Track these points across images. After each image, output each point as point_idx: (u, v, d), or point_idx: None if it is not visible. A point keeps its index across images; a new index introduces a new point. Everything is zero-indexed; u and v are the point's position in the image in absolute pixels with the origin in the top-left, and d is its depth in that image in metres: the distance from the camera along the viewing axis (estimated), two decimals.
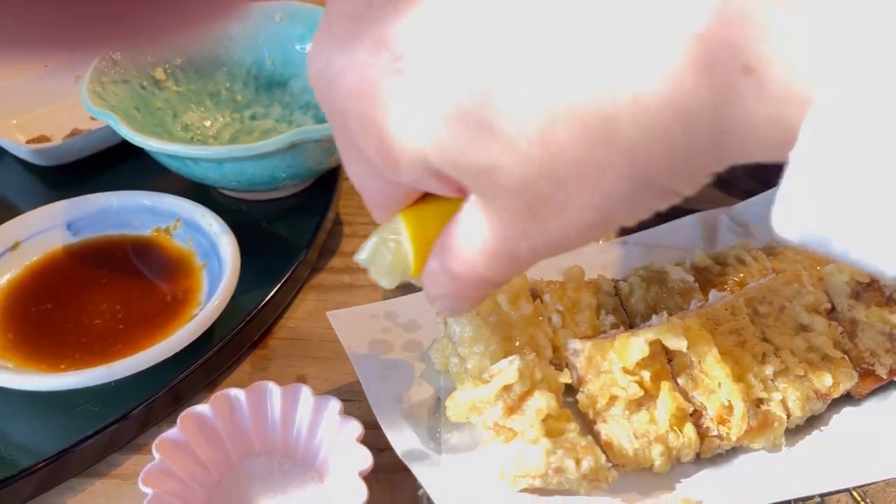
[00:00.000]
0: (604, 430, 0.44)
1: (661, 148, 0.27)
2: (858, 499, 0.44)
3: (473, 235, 0.32)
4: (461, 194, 0.33)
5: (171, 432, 0.44)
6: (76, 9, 0.15)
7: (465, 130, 0.29)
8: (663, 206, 0.31)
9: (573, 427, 0.43)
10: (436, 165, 0.30)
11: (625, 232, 0.60)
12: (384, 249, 0.37)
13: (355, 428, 0.44)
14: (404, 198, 0.36)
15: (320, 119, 0.67)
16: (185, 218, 0.57)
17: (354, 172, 0.36)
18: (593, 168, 0.28)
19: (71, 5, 0.15)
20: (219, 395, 0.46)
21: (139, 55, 0.65)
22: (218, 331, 0.53)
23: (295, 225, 0.61)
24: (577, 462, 0.41)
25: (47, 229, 0.56)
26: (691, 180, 0.30)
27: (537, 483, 0.41)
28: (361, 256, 0.38)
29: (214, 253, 0.55)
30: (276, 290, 0.55)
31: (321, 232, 0.61)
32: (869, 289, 0.50)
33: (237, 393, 0.46)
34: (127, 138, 0.56)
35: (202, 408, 0.45)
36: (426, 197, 0.37)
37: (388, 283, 0.38)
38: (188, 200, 0.57)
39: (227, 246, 0.54)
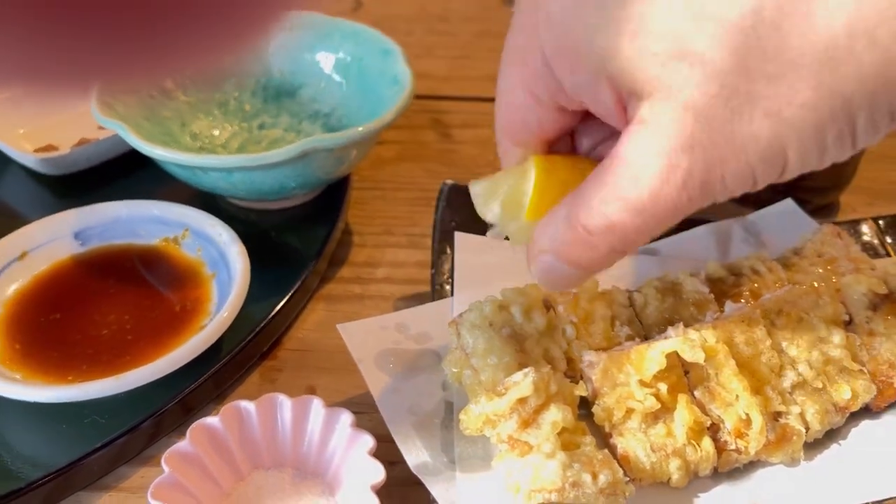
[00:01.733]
0: (620, 443, 0.43)
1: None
2: None
3: (636, 172, 0.32)
4: (622, 120, 0.33)
5: (181, 445, 0.44)
6: (122, 45, 0.15)
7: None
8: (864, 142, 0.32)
9: (589, 440, 0.42)
10: (620, 68, 0.31)
11: None
12: (503, 182, 0.38)
13: (367, 441, 0.44)
14: (543, 130, 0.37)
15: (329, 128, 0.67)
16: (193, 227, 0.57)
17: (509, 93, 0.37)
18: (814, 64, 0.30)
19: (116, 42, 0.15)
20: (229, 407, 0.45)
21: None
22: (227, 342, 0.52)
23: (304, 234, 0.61)
24: (594, 476, 0.40)
25: (54, 239, 0.56)
26: None
27: (553, 498, 0.40)
28: (477, 183, 0.38)
29: (223, 263, 0.54)
30: (285, 300, 0.55)
31: (331, 241, 0.60)
32: (887, 300, 0.49)
33: (247, 405, 0.45)
34: (136, 147, 0.56)
35: (212, 420, 0.45)
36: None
37: (492, 216, 0.38)
38: (197, 210, 0.57)
39: (237, 256, 0.53)
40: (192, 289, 0.54)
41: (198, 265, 0.56)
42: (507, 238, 0.39)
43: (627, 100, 0.33)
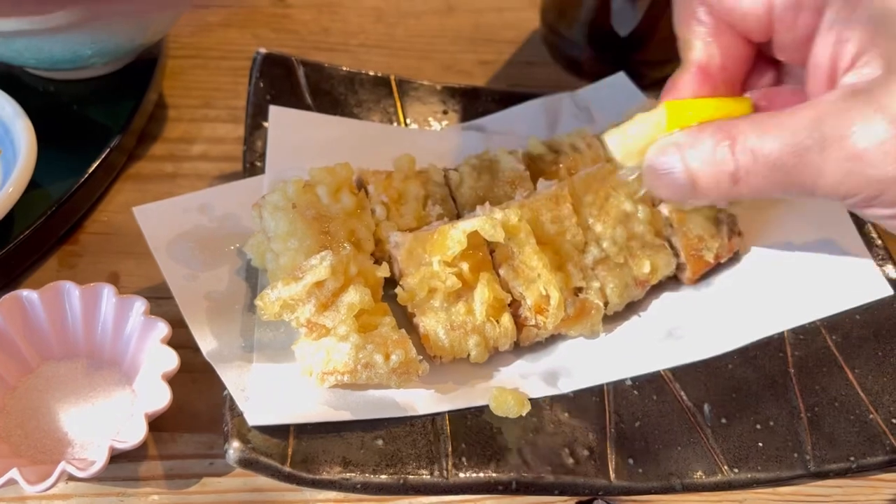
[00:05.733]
0: (422, 322, 0.43)
1: None
2: (668, 380, 0.46)
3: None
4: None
5: None
6: None
7: None
8: None
9: (388, 321, 0.42)
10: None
11: (465, 118, 0.58)
12: (632, 125, 0.40)
13: (161, 329, 0.42)
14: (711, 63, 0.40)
15: None
16: None
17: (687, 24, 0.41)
18: None
19: None
20: (8, 297, 0.42)
21: None
22: (17, 224, 0.48)
23: (110, 107, 0.56)
24: (387, 356, 0.40)
25: None
26: None
27: (346, 379, 0.40)
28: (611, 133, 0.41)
29: (9, 140, 0.49)
30: (83, 179, 0.51)
31: (140, 115, 0.56)
32: None
33: (30, 294, 0.43)
34: None
35: None
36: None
37: (622, 154, 0.40)
38: None
39: (22, 131, 0.48)
40: None
41: None
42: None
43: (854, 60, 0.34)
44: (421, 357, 0.41)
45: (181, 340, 0.42)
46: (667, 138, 0.38)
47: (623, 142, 0.40)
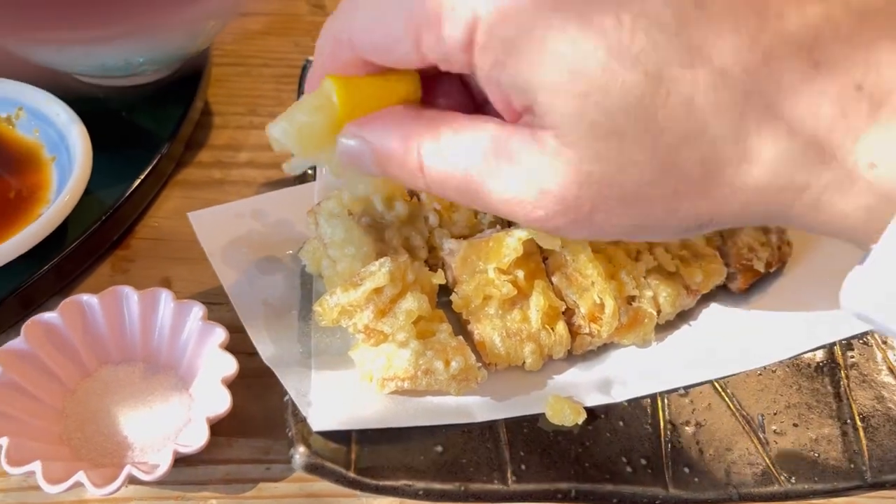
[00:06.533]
0: (477, 329, 0.44)
1: None
2: (720, 389, 0.46)
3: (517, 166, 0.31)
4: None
5: (16, 342, 0.41)
6: None
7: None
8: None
9: (445, 328, 0.42)
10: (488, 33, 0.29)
11: None
12: (301, 110, 0.35)
13: (219, 334, 0.42)
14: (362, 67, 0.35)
15: None
16: (28, 106, 0.51)
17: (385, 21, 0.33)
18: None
19: None
20: (68, 301, 0.43)
21: None
22: (71, 230, 0.49)
23: (158, 114, 0.56)
24: (447, 363, 0.40)
25: None
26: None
27: (406, 385, 0.40)
28: (275, 126, 0.35)
29: (64, 145, 0.50)
30: (136, 185, 0.51)
31: (187, 122, 0.56)
32: None
33: (90, 299, 0.43)
34: None
35: (50, 315, 0.42)
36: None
37: (302, 145, 0.35)
38: (31, 86, 0.51)
39: (78, 137, 0.49)
40: (30, 174, 0.50)
41: (35, 148, 0.51)
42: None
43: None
44: (479, 364, 0.42)
45: (234, 345, 0.43)
46: (353, 127, 0.34)
47: (299, 131, 0.35)
